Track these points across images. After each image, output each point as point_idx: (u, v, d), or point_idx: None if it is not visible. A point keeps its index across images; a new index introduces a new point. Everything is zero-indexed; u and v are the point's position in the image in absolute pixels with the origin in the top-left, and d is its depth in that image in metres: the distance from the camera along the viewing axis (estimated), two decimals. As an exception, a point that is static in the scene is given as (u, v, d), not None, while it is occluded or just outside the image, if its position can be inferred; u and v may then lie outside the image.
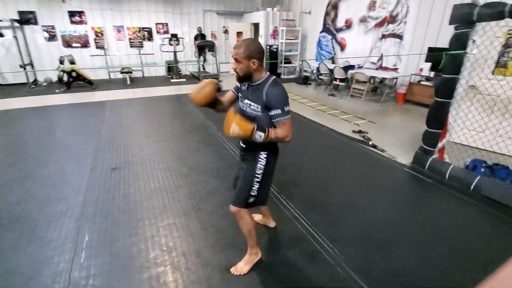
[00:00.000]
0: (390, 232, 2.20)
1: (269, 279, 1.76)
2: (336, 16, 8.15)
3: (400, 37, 6.36)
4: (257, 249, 1.84)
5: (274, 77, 1.51)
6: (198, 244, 2.05)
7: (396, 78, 6.35)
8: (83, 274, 1.79)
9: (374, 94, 6.84)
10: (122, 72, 8.71)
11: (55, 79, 8.15)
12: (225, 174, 3.02)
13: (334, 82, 7.09)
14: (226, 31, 10.80)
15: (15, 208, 2.45)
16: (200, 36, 9.61)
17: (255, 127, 1.41)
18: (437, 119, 3.01)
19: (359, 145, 3.92)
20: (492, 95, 3.35)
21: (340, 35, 8.12)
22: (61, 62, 7.60)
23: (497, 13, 2.35)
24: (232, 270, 1.79)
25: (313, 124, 4.85)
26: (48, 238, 2.11)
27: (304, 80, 8.68)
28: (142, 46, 9.73)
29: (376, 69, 7.01)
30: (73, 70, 7.50)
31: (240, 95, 1.63)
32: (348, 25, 7.75)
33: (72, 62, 7.66)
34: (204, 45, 9.24)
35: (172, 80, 9.08)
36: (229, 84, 1.67)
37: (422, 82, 5.79)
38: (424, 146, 3.17)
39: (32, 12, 8.10)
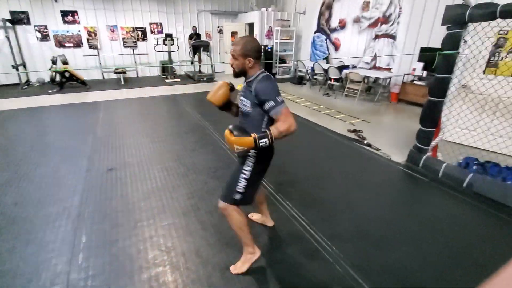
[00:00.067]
0: (386, 229, 2.24)
1: (268, 277, 1.78)
2: (330, 16, 8.22)
3: (393, 37, 6.45)
4: (254, 248, 1.80)
5: (265, 74, 1.51)
6: (198, 243, 2.06)
7: (390, 78, 6.43)
8: (82, 276, 1.79)
9: (368, 94, 6.91)
10: (115, 72, 8.64)
11: (47, 79, 8.05)
12: (223, 174, 3.03)
13: (329, 82, 7.15)
14: (220, 31, 10.80)
15: (11, 210, 2.43)
16: (195, 35, 9.57)
17: (256, 137, 1.39)
18: (431, 118, 3.07)
19: (354, 144, 3.97)
20: (483, 94, 3.43)
21: (334, 35, 8.19)
22: (54, 63, 7.50)
23: (488, 14, 2.41)
24: (232, 268, 1.80)
25: (309, 124, 4.88)
26: (45, 239, 2.09)
27: (299, 80, 8.73)
28: (136, 46, 9.66)
29: (370, 69, 7.09)
30: (66, 71, 7.42)
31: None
32: (342, 25, 7.82)
33: (65, 62, 7.57)
34: (198, 45, 9.22)
35: (166, 80, 9.05)
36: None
37: (415, 82, 5.88)
38: (418, 144, 3.22)
39: (24, 12, 7.98)
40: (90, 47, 9.03)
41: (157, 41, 9.31)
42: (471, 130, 3.42)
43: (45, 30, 8.36)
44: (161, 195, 2.68)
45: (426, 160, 3.14)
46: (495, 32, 3.28)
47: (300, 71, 8.89)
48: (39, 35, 8.32)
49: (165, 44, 8.89)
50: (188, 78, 9.46)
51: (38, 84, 8.17)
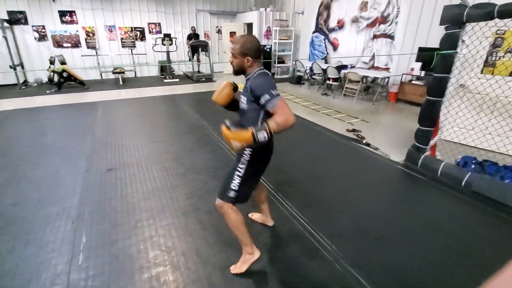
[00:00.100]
0: (385, 228, 2.25)
1: (269, 276, 1.79)
2: (328, 16, 8.24)
3: (391, 37, 6.47)
4: (252, 248, 1.77)
5: (261, 70, 1.52)
6: (198, 243, 2.06)
7: (388, 78, 6.45)
8: (82, 276, 1.79)
9: (367, 93, 6.94)
10: (114, 73, 8.62)
11: (45, 79, 8.03)
12: (222, 173, 3.02)
13: (328, 81, 7.16)
14: (219, 31, 10.79)
15: (10, 210, 2.42)
16: (194, 35, 9.57)
17: (254, 131, 1.34)
18: (429, 117, 3.08)
19: (353, 144, 3.98)
20: (481, 93, 3.45)
21: (332, 35, 8.21)
22: (52, 63, 7.48)
23: (486, 14, 2.43)
24: (232, 268, 1.80)
25: (308, 123, 4.89)
26: (45, 240, 2.09)
27: (298, 80, 8.74)
28: (134, 46, 9.65)
29: (368, 68, 7.11)
30: (64, 71, 7.40)
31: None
32: (340, 25, 7.84)
33: (62, 63, 7.55)
34: (197, 45, 9.22)
35: (165, 81, 9.03)
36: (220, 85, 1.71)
37: (413, 81, 5.90)
38: (416, 143, 3.24)
39: (22, 12, 7.95)
40: (88, 47, 9.01)
41: (155, 41, 9.30)
42: (469, 129, 3.44)
43: (43, 30, 8.33)
44: (161, 195, 2.68)
45: (425, 159, 3.15)
46: (492, 32, 3.30)
47: (298, 71, 8.91)
48: (37, 35, 8.29)
49: (164, 44, 8.88)
50: (187, 78, 9.45)
51: (36, 85, 8.14)
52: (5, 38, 7.66)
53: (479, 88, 3.33)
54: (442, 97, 2.97)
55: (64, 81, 7.50)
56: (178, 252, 1.99)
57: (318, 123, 4.84)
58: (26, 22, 8.07)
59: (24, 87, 7.83)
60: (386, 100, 6.52)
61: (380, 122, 5.00)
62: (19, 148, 3.76)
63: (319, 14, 8.60)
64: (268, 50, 9.33)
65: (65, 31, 8.62)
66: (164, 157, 3.48)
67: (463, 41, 2.78)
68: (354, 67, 7.34)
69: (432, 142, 3.17)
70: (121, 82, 8.48)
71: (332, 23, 8.12)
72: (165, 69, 9.38)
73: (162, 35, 9.19)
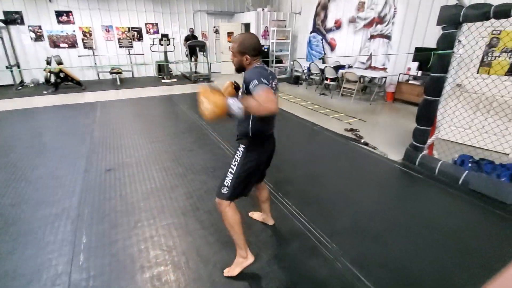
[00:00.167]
0: (384, 225, 2.27)
1: (269, 274, 1.80)
2: (325, 16, 8.27)
3: (388, 37, 6.51)
4: (246, 253, 1.75)
5: (259, 65, 1.53)
6: (198, 242, 2.07)
7: (385, 78, 6.50)
8: (83, 276, 1.79)
9: (364, 93, 6.98)
10: (111, 73, 8.59)
11: (42, 80, 7.97)
12: (222, 173, 3.01)
13: (325, 81, 7.19)
14: (216, 31, 10.79)
15: (9, 211, 2.41)
16: (192, 37, 9.56)
17: (229, 99, 1.30)
18: (427, 117, 3.11)
19: (351, 143, 4.01)
20: (477, 93, 3.49)
21: (330, 35, 8.24)
22: (48, 63, 7.44)
23: (482, 14, 2.46)
24: (225, 271, 1.78)
25: (306, 123, 4.91)
26: (45, 240, 2.08)
27: (295, 80, 8.77)
28: (131, 46, 9.62)
29: (366, 68, 7.15)
30: (60, 71, 7.35)
31: None
32: (338, 25, 7.88)
33: (59, 63, 7.51)
34: (195, 45, 9.21)
35: (163, 81, 9.02)
36: (220, 85, 1.72)
37: (410, 81, 5.95)
38: (414, 142, 3.27)
39: (18, 12, 7.90)
40: (85, 48, 8.97)
41: (153, 41, 9.28)
42: (466, 128, 3.48)
43: (39, 30, 8.28)
44: (160, 195, 2.68)
45: (422, 158, 3.18)
46: (488, 32, 3.34)
47: (296, 71, 8.93)
48: (33, 35, 8.24)
49: (161, 44, 8.86)
50: (185, 78, 9.44)
51: (32, 85, 8.09)
52: (1, 38, 7.61)
53: (475, 87, 3.36)
54: (439, 96, 3.00)
55: (61, 81, 7.46)
56: (178, 251, 1.99)
57: (317, 123, 4.86)
58: (22, 22, 8.01)
59: (20, 87, 7.78)
60: (383, 99, 6.56)
61: (378, 121, 5.03)
62: (17, 148, 3.74)
63: (316, 14, 8.64)
64: (265, 50, 9.35)
65: (62, 31, 8.57)
66: (163, 157, 3.48)
67: (459, 41, 2.81)
68: (351, 67, 7.38)
69: (429, 141, 3.20)
70: (118, 82, 8.46)
71: (330, 23, 8.15)
72: (163, 69, 9.37)
73: (159, 35, 9.17)
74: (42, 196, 2.65)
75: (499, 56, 3.51)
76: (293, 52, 9.97)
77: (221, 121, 1.58)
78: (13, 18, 7.86)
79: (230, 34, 10.05)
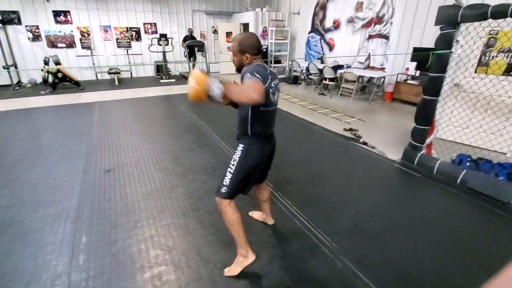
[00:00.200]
0: (383, 224, 2.28)
1: (270, 273, 1.80)
2: (324, 16, 8.29)
3: (386, 37, 6.54)
4: (247, 251, 1.75)
5: (259, 64, 1.54)
6: (198, 242, 2.07)
7: (383, 77, 6.52)
8: (83, 276, 1.78)
9: (363, 93, 7.00)
10: (109, 73, 8.56)
11: (40, 80, 7.94)
12: (222, 173, 3.02)
13: (324, 81, 7.21)
14: (215, 31, 10.79)
15: (6, 213, 2.39)
16: (190, 37, 9.55)
17: (210, 78, 1.28)
18: (425, 116, 3.13)
19: (351, 143, 4.02)
20: (475, 92, 3.51)
21: (328, 35, 8.26)
22: (46, 63, 7.41)
23: (480, 14, 2.47)
24: (226, 271, 1.78)
25: (305, 123, 4.92)
26: (44, 241, 2.08)
27: (294, 80, 8.78)
28: (130, 46, 9.59)
29: (364, 68, 7.18)
30: (58, 71, 7.33)
31: None
32: (336, 25, 7.90)
33: (57, 63, 7.48)
34: (193, 46, 9.21)
35: (161, 81, 9.00)
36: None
37: (408, 81, 5.98)
38: (413, 142, 3.28)
39: (15, 12, 7.86)
40: (83, 48, 8.94)
41: (151, 41, 9.26)
42: (464, 127, 3.50)
43: (37, 30, 8.24)
44: (160, 195, 2.67)
45: (421, 157, 3.20)
46: (486, 32, 3.36)
47: (295, 71, 8.94)
48: (30, 35, 8.20)
49: (160, 45, 8.84)
50: (183, 79, 9.42)
51: (30, 85, 8.05)
52: (-2, 38, 7.58)
53: (473, 87, 3.38)
54: (437, 96, 3.02)
55: (59, 81, 7.43)
56: (179, 251, 1.99)
57: (316, 123, 4.87)
58: (19, 22, 7.97)
59: (18, 88, 7.74)
60: (382, 99, 6.59)
61: (376, 121, 5.05)
62: (15, 149, 3.72)
63: (315, 15, 8.65)
64: (264, 50, 9.36)
65: (60, 31, 8.54)
66: (163, 158, 3.47)
67: (457, 41, 2.82)
68: (350, 67, 7.40)
69: (428, 141, 3.21)
70: (116, 83, 8.44)
71: (328, 23, 8.17)
72: (161, 70, 9.35)
73: (158, 35, 9.15)
74: (40, 196, 2.63)
75: (496, 56, 3.53)
76: (292, 52, 9.99)
77: (202, 104, 1.56)
78: (10, 18, 7.83)
79: (228, 34, 10.05)
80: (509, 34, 3.22)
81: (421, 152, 3.22)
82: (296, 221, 2.30)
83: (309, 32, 9.00)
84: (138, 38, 9.67)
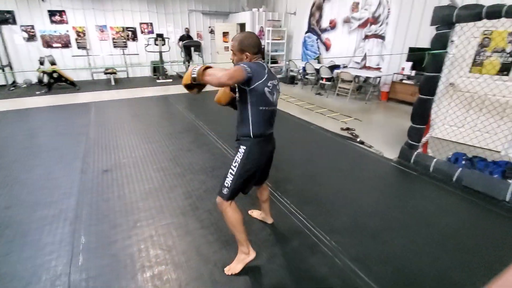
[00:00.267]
0: (381, 222, 2.31)
1: (270, 272, 1.81)
2: (320, 17, 8.32)
3: (382, 37, 6.59)
4: (248, 248, 1.79)
5: (257, 62, 1.56)
6: (198, 242, 2.07)
7: (379, 77, 6.57)
8: (83, 276, 1.78)
9: (359, 93, 7.04)
10: (106, 73, 8.51)
11: (35, 80, 7.87)
12: (220, 173, 3.04)
13: (321, 81, 7.24)
14: (212, 31, 10.78)
15: (4, 214, 2.38)
16: (187, 37, 9.52)
17: (196, 66, 1.42)
18: (421, 115, 3.17)
19: (348, 142, 4.05)
20: (470, 92, 3.56)
21: (324, 36, 8.30)
22: (41, 63, 7.35)
23: (474, 15, 2.51)
24: (226, 269, 1.79)
25: (302, 123, 4.95)
26: (42, 242, 2.07)
27: (291, 80, 8.81)
28: (126, 46, 9.55)
29: (360, 68, 7.22)
30: (54, 71, 7.27)
31: None
32: (333, 25, 7.94)
33: (52, 63, 7.42)
34: (190, 45, 9.19)
35: (158, 81, 8.97)
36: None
37: (403, 81, 6.03)
38: (409, 141, 3.32)
39: (10, 12, 7.78)
40: (79, 48, 8.87)
41: (148, 41, 9.23)
42: (459, 126, 3.55)
43: (32, 30, 8.17)
44: (159, 195, 2.67)
45: (417, 156, 3.24)
46: (480, 32, 3.41)
47: (291, 71, 8.97)
48: (25, 35, 8.12)
49: (156, 44, 8.82)
50: (180, 78, 9.38)
51: (25, 86, 7.98)
52: (-7, 38, 7.49)
53: (468, 86, 3.43)
54: (433, 95, 3.06)
55: (55, 82, 7.37)
56: (178, 251, 1.99)
57: (313, 122, 4.90)
58: (14, 22, 7.89)
59: (13, 88, 7.66)
60: (378, 99, 6.64)
61: (373, 120, 5.09)
62: (11, 150, 3.70)
63: (311, 15, 8.69)
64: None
65: (55, 31, 8.47)
66: (161, 158, 3.47)
67: (452, 41, 2.86)
68: (346, 67, 7.44)
69: (424, 140, 3.25)
70: (113, 83, 8.39)
71: (324, 23, 8.21)
72: (158, 70, 9.32)
73: (154, 35, 9.12)
74: (39, 197, 2.62)
75: (490, 56, 3.58)
76: (289, 52, 10.01)
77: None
78: (4, 18, 7.74)
79: (225, 34, 10.04)
80: (503, 34, 3.27)
81: (418, 151, 3.26)
82: (295, 220, 2.31)
83: (306, 32, 9.04)
84: (135, 38, 9.63)
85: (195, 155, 3.54)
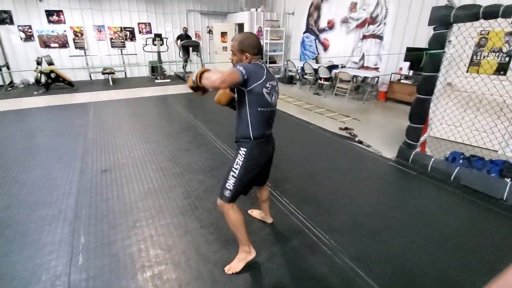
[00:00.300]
0: (380, 221, 2.32)
1: (269, 271, 1.82)
2: (318, 17, 8.34)
3: (380, 37, 6.61)
4: (249, 248, 1.81)
5: (256, 63, 1.56)
6: (198, 241, 2.08)
7: (377, 77, 6.59)
8: (83, 276, 1.78)
9: (357, 93, 7.07)
10: (103, 73, 8.49)
11: (32, 81, 7.83)
12: (219, 173, 3.05)
13: (319, 81, 7.26)
14: (210, 31, 10.77)
15: (3, 214, 2.37)
16: (185, 36, 9.49)
17: (198, 70, 1.45)
18: (419, 115, 3.19)
19: (346, 142, 4.07)
20: (467, 91, 3.58)
21: (323, 36, 8.32)
22: (39, 63, 7.31)
23: (471, 15, 2.53)
24: (226, 268, 1.80)
25: (301, 122, 4.96)
26: (42, 242, 2.06)
27: (289, 80, 8.82)
28: (124, 46, 9.52)
29: (358, 68, 7.25)
30: (52, 71, 7.24)
31: None
32: (331, 26, 7.96)
33: (50, 63, 7.38)
34: (188, 45, 9.18)
35: (156, 81, 8.96)
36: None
37: (401, 81, 6.06)
38: (407, 140, 3.34)
39: (7, 12, 7.73)
40: (76, 48, 8.84)
41: (146, 41, 9.21)
42: (457, 126, 3.57)
43: (29, 30, 8.13)
44: (158, 195, 2.68)
45: (416, 155, 3.26)
46: (477, 33, 3.44)
47: (290, 71, 8.99)
48: (23, 35, 8.08)
49: (154, 44, 8.80)
50: (178, 79, 9.39)
51: (22, 86, 7.94)
52: (-10, 38, 7.45)
53: (465, 86, 3.46)
54: (431, 95, 3.08)
55: (52, 82, 7.34)
56: (178, 250, 2.00)
57: (311, 122, 4.91)
58: (11, 22, 7.85)
59: (10, 88, 7.62)
60: (376, 99, 6.66)
61: (371, 120, 5.11)
62: (9, 150, 3.68)
63: (309, 15, 8.71)
64: (259, 50, 9.37)
65: (53, 31, 8.43)
66: (160, 158, 3.47)
67: (450, 41, 2.89)
68: (344, 67, 7.47)
69: (422, 139, 3.27)
70: (111, 83, 8.37)
71: (323, 23, 8.23)
72: (156, 70, 9.30)
73: (152, 35, 9.10)
74: (38, 197, 2.61)
75: (487, 56, 3.61)
76: (287, 52, 10.03)
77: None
78: (2, 18, 7.70)
79: (223, 34, 10.04)
80: (499, 34, 3.29)
81: (416, 150, 3.28)
82: (295, 219, 2.32)
83: (304, 32, 9.06)
84: (133, 38, 9.60)
85: (194, 155, 3.55)
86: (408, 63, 5.88)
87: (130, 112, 5.59)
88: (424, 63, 3.02)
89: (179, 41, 9.33)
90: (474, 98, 3.56)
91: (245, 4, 10.40)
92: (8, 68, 7.95)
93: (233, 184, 1.62)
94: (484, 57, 3.63)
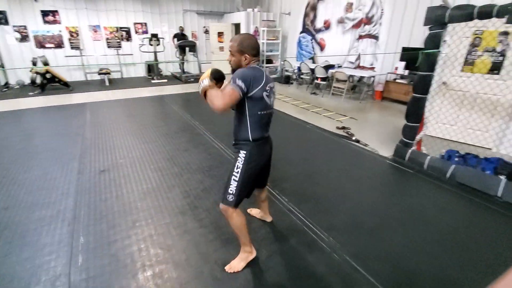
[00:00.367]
0: (378, 218, 2.35)
1: (270, 269, 1.84)
2: (315, 17, 8.38)
3: (376, 37, 6.67)
4: (251, 248, 1.84)
5: (254, 66, 1.57)
6: (198, 240, 2.09)
7: (373, 77, 6.64)
8: (83, 277, 1.78)
9: (354, 92, 7.11)
10: (100, 73, 8.44)
11: (27, 81, 7.77)
12: (218, 172, 3.06)
13: (316, 81, 7.30)
14: (206, 31, 10.76)
15: (2, 214, 2.36)
16: (181, 35, 9.46)
17: (206, 80, 1.52)
18: (415, 114, 3.23)
19: (343, 141, 4.10)
20: (462, 90, 3.63)
21: (319, 36, 8.36)
22: (34, 64, 7.25)
23: (466, 15, 2.57)
24: (227, 268, 1.81)
25: (299, 122, 4.99)
26: (41, 243, 2.06)
27: (286, 80, 8.85)
28: (120, 47, 9.48)
29: (355, 68, 7.29)
30: (47, 72, 7.18)
31: None
32: (327, 26, 8.00)
33: (45, 64, 7.32)
34: (185, 45, 9.16)
35: (153, 81, 8.93)
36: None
37: (397, 80, 6.11)
38: (404, 139, 3.38)
39: (2, 12, 7.65)
40: (72, 48, 8.78)
41: (142, 41, 9.17)
42: (452, 124, 3.62)
43: (25, 31, 8.05)
44: (157, 195, 2.68)
45: (412, 153, 3.30)
46: (472, 32, 3.49)
47: (287, 70, 9.01)
48: (18, 35, 8.00)
49: (151, 45, 8.77)
50: (175, 79, 9.38)
51: (18, 87, 7.87)
52: (-16, 38, 7.37)
53: (460, 85, 3.50)
54: (426, 94, 3.12)
55: (48, 82, 7.28)
56: (178, 249, 2.01)
57: (309, 122, 4.94)
58: (6, 22, 7.77)
59: (5, 89, 7.55)
60: (372, 98, 6.72)
61: (368, 119, 5.15)
62: (7, 151, 3.65)
63: (305, 15, 8.74)
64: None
65: (48, 31, 8.36)
66: (158, 158, 3.47)
67: (445, 41, 2.93)
68: (340, 66, 7.51)
69: (418, 137, 3.32)
70: (107, 83, 8.33)
71: (319, 23, 8.27)
72: (153, 70, 9.27)
73: (149, 35, 9.07)
74: (36, 198, 2.61)
75: (481, 55, 3.66)
76: (284, 52, 10.06)
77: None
78: (-4, 18, 7.63)
79: (220, 34, 10.05)
80: (493, 34, 3.34)
81: (412, 149, 3.32)
82: (294, 218, 2.34)
83: (301, 32, 9.09)
84: (129, 38, 9.56)
85: (192, 154, 3.55)
86: (403, 63, 5.94)
87: (127, 113, 5.57)
88: (419, 62, 3.06)
89: (175, 40, 9.30)
90: (468, 97, 3.61)
91: (242, 4, 10.41)
92: (3, 68, 7.87)
93: (235, 188, 1.62)
94: (478, 57, 3.68)
